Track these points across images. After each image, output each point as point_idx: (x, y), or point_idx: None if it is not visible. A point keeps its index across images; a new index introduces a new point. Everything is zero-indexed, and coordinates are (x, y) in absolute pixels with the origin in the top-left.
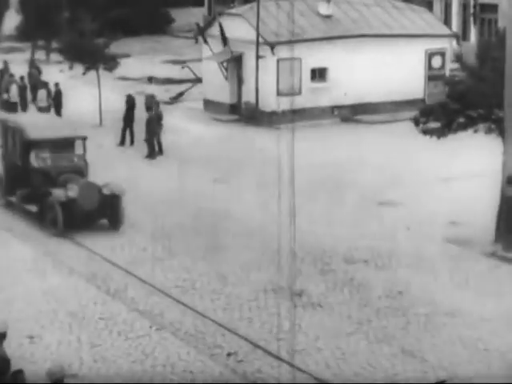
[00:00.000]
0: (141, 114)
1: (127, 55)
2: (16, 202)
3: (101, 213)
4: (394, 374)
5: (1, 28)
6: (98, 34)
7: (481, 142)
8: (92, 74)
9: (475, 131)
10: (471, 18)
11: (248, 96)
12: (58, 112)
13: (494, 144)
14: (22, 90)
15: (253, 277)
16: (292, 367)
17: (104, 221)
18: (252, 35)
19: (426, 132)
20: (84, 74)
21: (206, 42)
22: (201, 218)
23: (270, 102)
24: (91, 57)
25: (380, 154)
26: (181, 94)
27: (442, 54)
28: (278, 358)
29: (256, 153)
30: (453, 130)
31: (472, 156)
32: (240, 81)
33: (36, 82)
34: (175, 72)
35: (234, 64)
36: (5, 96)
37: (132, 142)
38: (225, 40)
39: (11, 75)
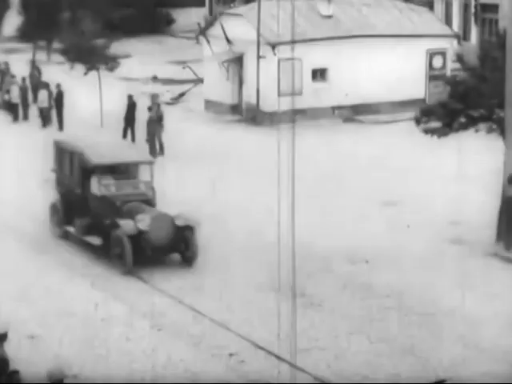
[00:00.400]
0: (142, 115)
1: (128, 56)
2: (74, 233)
3: (173, 247)
4: (395, 374)
5: (2, 29)
6: (98, 34)
7: (482, 142)
8: (93, 74)
9: (476, 131)
10: (472, 18)
11: (249, 96)
12: (60, 113)
13: (495, 144)
14: (23, 91)
15: (253, 277)
16: (293, 367)
17: (175, 255)
18: (253, 35)
19: (427, 131)
20: (85, 74)
21: (208, 42)
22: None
23: (271, 102)
24: (92, 57)
25: (381, 154)
26: (182, 95)
27: (443, 54)
28: (279, 358)
29: (257, 152)
30: (454, 129)
31: (473, 156)
32: (241, 81)
33: (37, 82)
34: (176, 72)
35: (235, 64)
36: (6, 97)
37: (133, 142)
38: (229, 40)
39: (12, 76)
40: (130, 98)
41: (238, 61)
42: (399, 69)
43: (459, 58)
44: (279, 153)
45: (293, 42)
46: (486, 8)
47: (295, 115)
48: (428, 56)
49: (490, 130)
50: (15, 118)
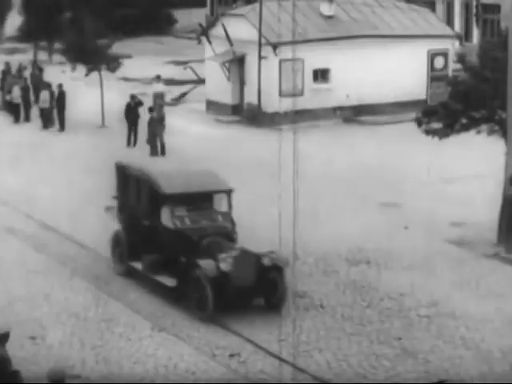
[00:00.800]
0: (143, 115)
1: (129, 56)
2: (142, 271)
3: (258, 290)
4: (396, 375)
5: (3, 29)
6: (100, 34)
7: (483, 143)
8: (94, 74)
9: (478, 132)
10: (474, 19)
11: (250, 97)
12: (61, 113)
13: (497, 144)
14: (24, 91)
15: None
16: (294, 368)
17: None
18: (254, 36)
19: (428, 132)
20: (86, 75)
21: (209, 42)
22: None
23: (273, 102)
24: (94, 58)
25: (382, 154)
26: (183, 95)
27: (445, 55)
28: (280, 358)
29: (257, 153)
30: (455, 130)
31: (474, 157)
32: (242, 81)
33: (39, 83)
34: (178, 73)
35: (237, 65)
36: (7, 97)
37: (135, 142)
38: (230, 40)
39: (14, 76)
40: (133, 97)
41: (240, 61)
42: (400, 69)
43: (461, 59)
44: (281, 153)
45: (294, 42)
46: (487, 8)
47: (296, 116)
48: (429, 57)
49: (491, 131)
50: (17, 119)
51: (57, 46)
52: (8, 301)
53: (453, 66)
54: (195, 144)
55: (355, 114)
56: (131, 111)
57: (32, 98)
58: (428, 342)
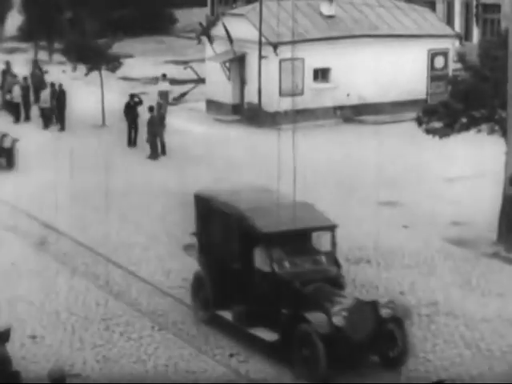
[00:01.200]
0: (143, 115)
1: (130, 55)
2: (232, 321)
3: (375, 345)
4: (396, 374)
5: (3, 28)
6: (100, 34)
7: (483, 142)
8: (95, 74)
9: (478, 131)
10: (474, 18)
11: (250, 96)
12: (61, 113)
13: (497, 144)
14: (24, 90)
15: None
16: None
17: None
18: (255, 35)
19: (428, 131)
20: (87, 74)
21: (211, 42)
22: None
23: (273, 102)
24: (94, 57)
25: (382, 154)
26: (183, 95)
27: (445, 54)
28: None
29: (258, 153)
30: (456, 130)
31: (474, 156)
32: (242, 81)
33: (39, 82)
34: (178, 72)
35: (237, 64)
36: (7, 97)
37: (135, 142)
38: (231, 40)
39: (14, 76)
40: (132, 97)
41: (240, 61)
42: (401, 69)
43: (461, 58)
44: (280, 152)
45: (294, 42)
46: (487, 8)
47: (296, 115)
48: (430, 56)
49: (491, 131)
50: (17, 119)
51: (57, 45)
52: None
53: (453, 66)
54: (195, 143)
55: (355, 113)
56: (130, 110)
57: (32, 97)
58: (428, 341)
